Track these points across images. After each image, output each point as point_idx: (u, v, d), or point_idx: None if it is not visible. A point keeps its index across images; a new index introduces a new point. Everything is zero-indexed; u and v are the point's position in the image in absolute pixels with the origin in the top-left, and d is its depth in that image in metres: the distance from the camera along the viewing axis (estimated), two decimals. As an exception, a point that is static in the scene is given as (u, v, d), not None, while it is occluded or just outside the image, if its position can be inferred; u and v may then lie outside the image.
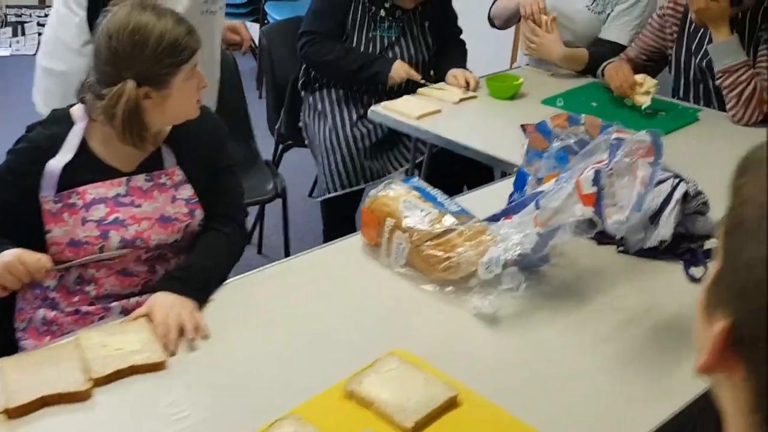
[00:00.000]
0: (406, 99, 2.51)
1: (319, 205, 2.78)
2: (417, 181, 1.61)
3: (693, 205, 1.68)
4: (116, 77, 1.42)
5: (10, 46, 5.75)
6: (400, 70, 2.59)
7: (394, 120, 2.40)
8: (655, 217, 1.64)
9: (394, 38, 2.70)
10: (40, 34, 5.84)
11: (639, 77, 2.44)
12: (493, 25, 2.98)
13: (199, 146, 1.61)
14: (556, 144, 1.61)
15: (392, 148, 2.71)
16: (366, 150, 2.65)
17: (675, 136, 2.30)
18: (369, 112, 2.48)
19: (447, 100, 2.51)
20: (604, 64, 2.64)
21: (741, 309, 0.53)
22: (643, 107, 2.42)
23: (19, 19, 5.90)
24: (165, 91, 1.46)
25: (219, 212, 1.62)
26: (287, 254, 2.75)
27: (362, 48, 2.68)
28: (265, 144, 2.94)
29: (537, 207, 1.40)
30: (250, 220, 2.97)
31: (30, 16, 5.91)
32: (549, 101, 2.54)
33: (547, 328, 1.41)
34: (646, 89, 2.41)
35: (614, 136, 1.36)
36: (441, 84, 2.66)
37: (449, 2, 2.87)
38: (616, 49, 2.79)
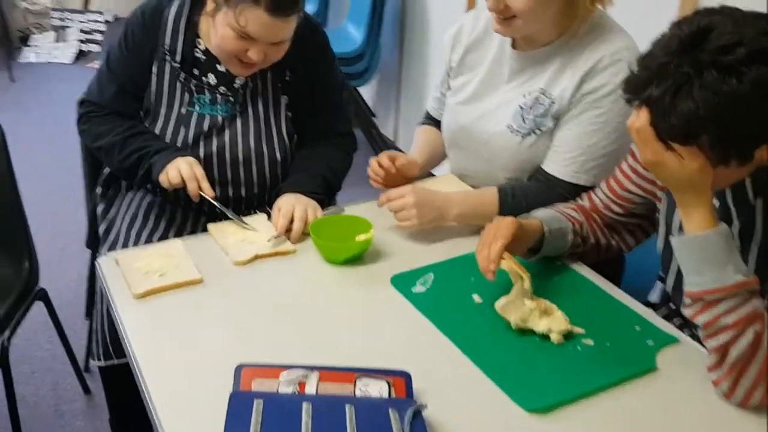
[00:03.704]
0: (161, 250, 1.51)
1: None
2: None
3: None
4: None
5: (49, 53, 5.32)
6: (175, 170, 1.61)
7: (108, 295, 1.42)
8: None
9: (222, 119, 1.72)
10: (81, 41, 5.38)
11: (543, 307, 1.30)
12: None
13: None
14: None
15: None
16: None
17: (599, 403, 1.15)
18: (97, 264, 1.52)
19: (232, 256, 1.50)
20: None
21: None
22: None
23: (62, 23, 5.46)
24: None
25: None
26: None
27: (170, 132, 1.72)
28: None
29: None
30: None
31: (73, 21, 5.46)
32: (403, 281, 1.44)
33: None
34: (546, 328, 1.28)
35: None
36: (259, 218, 1.64)
37: (331, 67, 1.83)
38: (551, 186, 1.64)
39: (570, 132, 1.61)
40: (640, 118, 1.10)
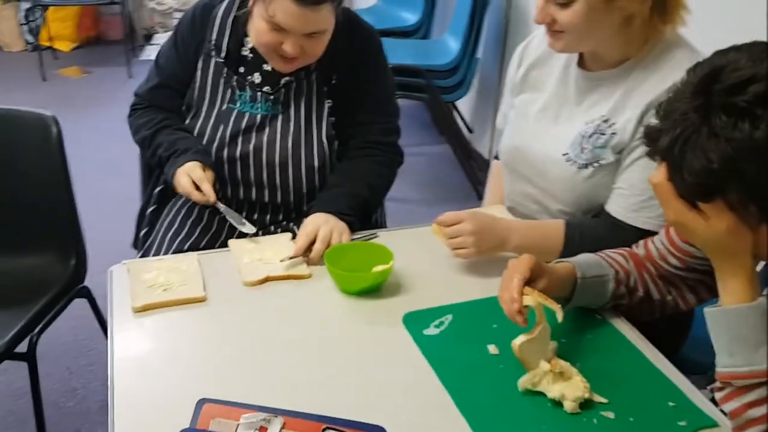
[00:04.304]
0: (174, 263, 1.46)
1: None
2: None
3: None
4: None
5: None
6: (183, 177, 1.57)
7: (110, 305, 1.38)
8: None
9: (260, 118, 1.66)
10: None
11: (559, 370, 1.14)
12: None
13: None
14: None
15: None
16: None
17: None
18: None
19: (242, 276, 1.42)
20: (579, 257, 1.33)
21: None
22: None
23: (147, 33, 5.69)
24: None
25: None
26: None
27: (209, 128, 1.68)
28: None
29: None
30: None
31: (193, 22, 5.65)
32: (417, 320, 1.32)
33: None
34: (559, 394, 1.13)
35: None
36: (282, 237, 1.57)
37: (380, 73, 1.73)
38: (621, 231, 1.45)
39: (635, 173, 1.44)
40: (658, 173, 0.94)
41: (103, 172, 3.56)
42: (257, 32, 1.55)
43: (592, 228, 1.48)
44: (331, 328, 1.31)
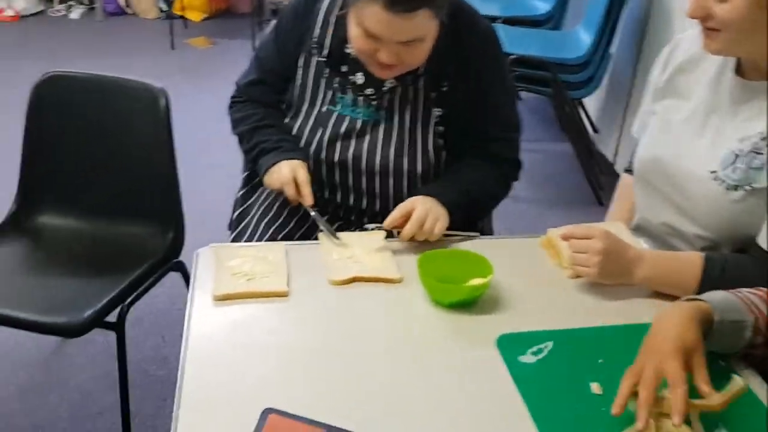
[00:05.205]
0: (261, 252, 1.39)
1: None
2: None
3: None
4: None
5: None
6: (276, 176, 1.52)
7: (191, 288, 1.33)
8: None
9: (361, 123, 1.57)
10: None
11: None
12: None
13: None
14: None
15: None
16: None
17: None
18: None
19: (329, 273, 1.33)
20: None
21: None
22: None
23: (274, 8, 5.71)
24: None
25: None
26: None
27: (308, 130, 1.61)
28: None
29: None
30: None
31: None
32: (512, 344, 1.18)
33: None
34: None
35: None
36: (374, 235, 1.47)
37: (497, 77, 1.60)
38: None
39: None
40: None
41: (222, 144, 3.58)
42: (353, 38, 1.45)
43: (738, 266, 1.29)
44: (416, 342, 1.20)
